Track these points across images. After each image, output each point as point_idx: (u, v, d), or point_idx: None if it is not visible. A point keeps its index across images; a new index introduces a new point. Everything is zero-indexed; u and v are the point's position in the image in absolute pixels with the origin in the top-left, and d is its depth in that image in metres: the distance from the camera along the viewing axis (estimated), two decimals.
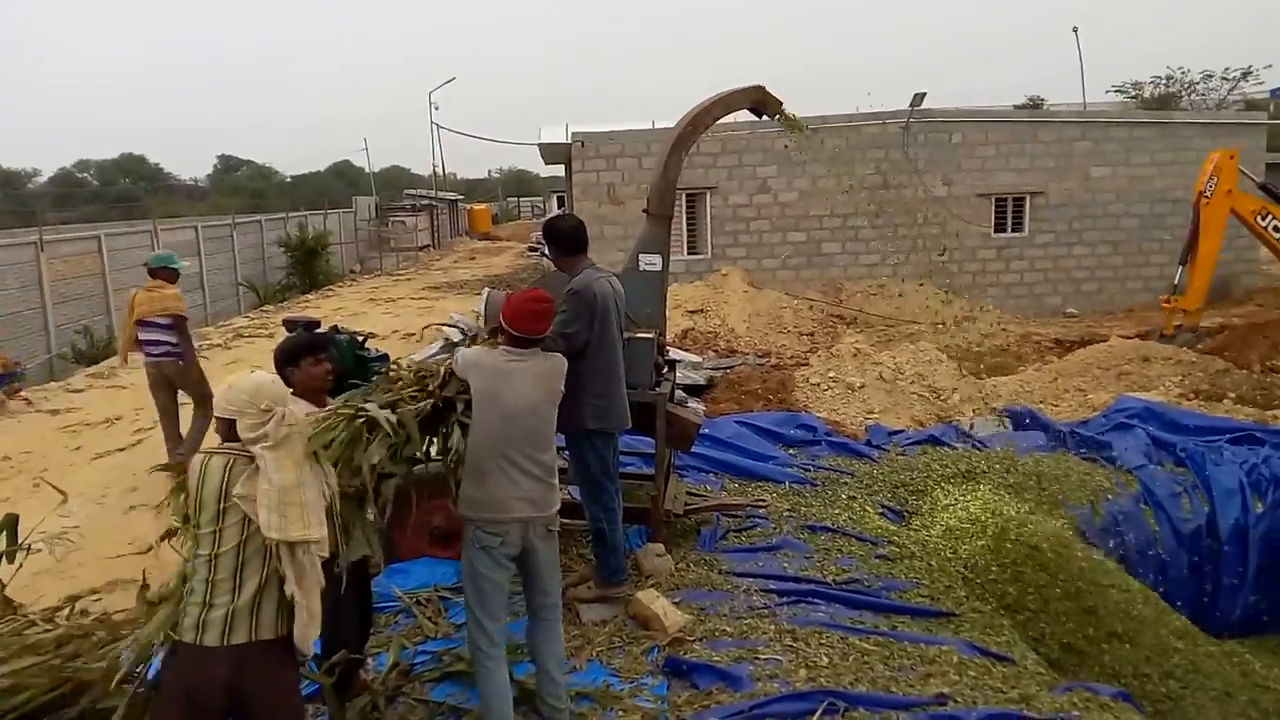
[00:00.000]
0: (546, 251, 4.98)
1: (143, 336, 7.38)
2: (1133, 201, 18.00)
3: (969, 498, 6.91)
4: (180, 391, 7.56)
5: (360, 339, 5.78)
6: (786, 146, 5.74)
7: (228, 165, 78.18)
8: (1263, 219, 13.13)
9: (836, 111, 17.79)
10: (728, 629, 4.64)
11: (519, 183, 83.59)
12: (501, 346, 3.91)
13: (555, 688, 3.94)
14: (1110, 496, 7.32)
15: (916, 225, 17.38)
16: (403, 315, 17.31)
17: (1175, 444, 7.81)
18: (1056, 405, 9.42)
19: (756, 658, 4.35)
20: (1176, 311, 12.73)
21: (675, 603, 4.87)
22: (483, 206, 54.11)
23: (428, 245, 38.06)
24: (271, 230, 24.58)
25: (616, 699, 4.13)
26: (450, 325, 10.07)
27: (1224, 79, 40.15)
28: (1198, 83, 40.78)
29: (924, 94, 17.27)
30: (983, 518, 6.57)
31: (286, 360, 3.74)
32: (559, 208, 39.76)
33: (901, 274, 17.48)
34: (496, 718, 3.67)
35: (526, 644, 4.09)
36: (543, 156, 24.06)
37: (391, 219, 35.82)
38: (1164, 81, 41.18)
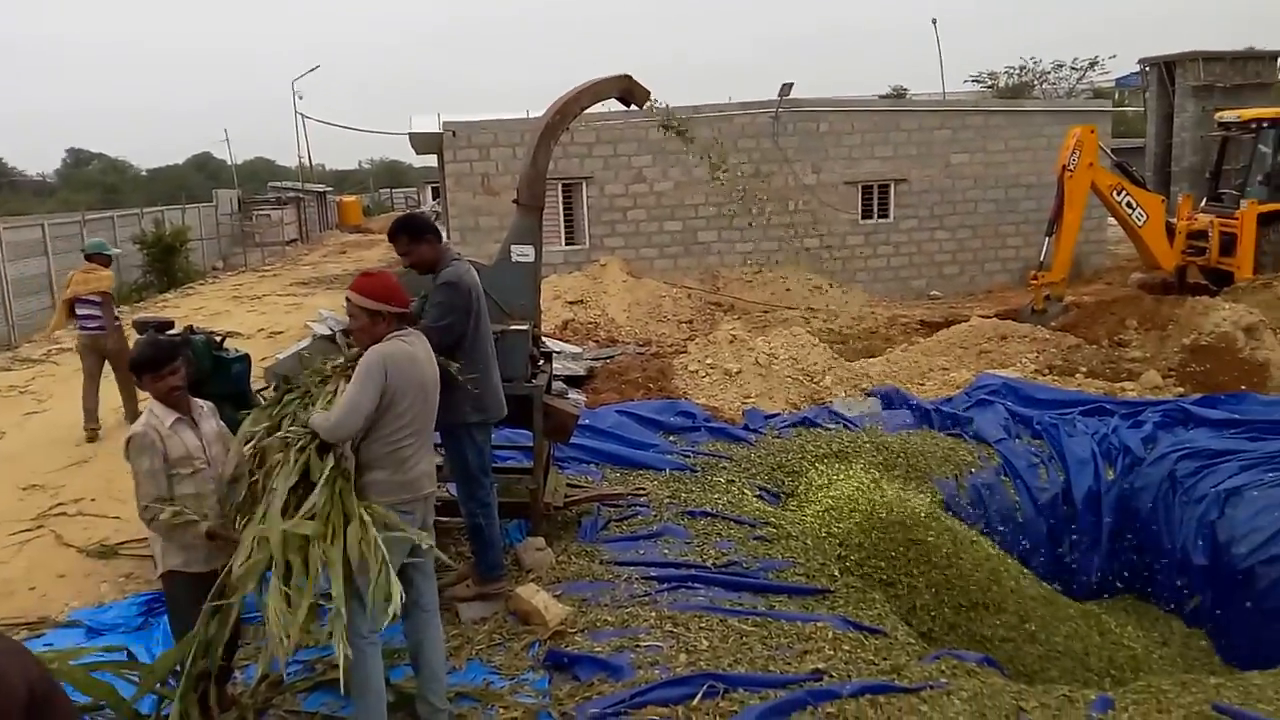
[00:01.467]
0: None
1: (80, 312, 8.56)
2: (989, 187, 18.85)
3: (842, 477, 7.10)
4: (107, 361, 8.62)
5: (218, 339, 5.53)
6: (672, 131, 5.73)
7: (78, 159, 73.45)
8: (1118, 194, 13.94)
9: (707, 101, 18.01)
10: (609, 619, 4.64)
11: (391, 174, 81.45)
12: (390, 337, 3.78)
13: (438, 685, 3.88)
14: (973, 470, 7.65)
15: (788, 213, 17.78)
16: (269, 313, 16.67)
17: (1032, 418, 8.22)
18: (922, 384, 9.78)
19: (638, 646, 4.36)
20: (1045, 285, 13.38)
21: (556, 596, 4.84)
22: (353, 198, 52.72)
23: (295, 239, 36.75)
24: (125, 227, 23.20)
25: (497, 696, 4.08)
26: (318, 322, 9.72)
27: (1073, 69, 42.57)
28: (1049, 72, 43.11)
29: (791, 84, 17.65)
30: (854, 496, 6.76)
31: (142, 370, 3.67)
32: (434, 199, 39.02)
33: (775, 260, 17.84)
34: (376, 698, 3.60)
35: (407, 642, 4.00)
36: (414, 146, 23.55)
37: (256, 213, 34.39)
38: (1018, 71, 43.38)
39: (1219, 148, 15.70)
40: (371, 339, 3.76)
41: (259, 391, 5.33)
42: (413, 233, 4.59)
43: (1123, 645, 6.53)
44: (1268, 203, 13.55)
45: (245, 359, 5.50)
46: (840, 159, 18.21)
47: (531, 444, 5.52)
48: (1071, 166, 13.22)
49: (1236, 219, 13.61)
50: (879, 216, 18.69)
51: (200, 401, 3.88)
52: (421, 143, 22.02)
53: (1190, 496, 7.14)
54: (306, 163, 49.49)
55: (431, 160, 28.88)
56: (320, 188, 49.37)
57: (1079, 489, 7.59)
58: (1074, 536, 7.61)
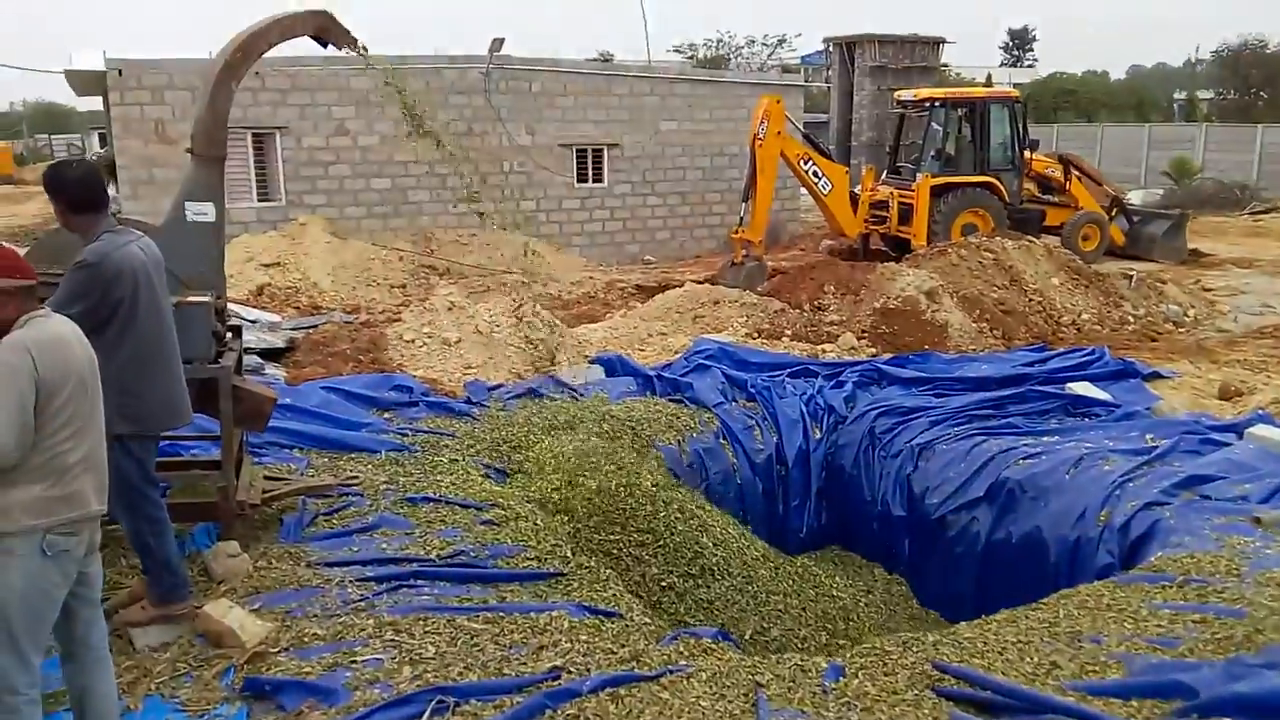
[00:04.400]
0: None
1: None
2: (696, 155, 19.44)
3: (569, 449, 6.87)
4: None
5: None
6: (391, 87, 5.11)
7: None
8: (805, 163, 14.82)
9: (417, 53, 17.06)
10: (319, 632, 4.08)
11: (50, 118, 71.18)
12: (27, 319, 2.99)
13: None
14: (694, 434, 7.72)
15: (503, 174, 17.33)
16: None
17: (746, 381, 8.44)
18: (643, 350, 9.80)
19: (354, 661, 3.85)
20: (744, 241, 14.00)
21: (254, 610, 4.20)
22: (2, 145, 45.71)
23: None
24: None
25: None
26: None
27: (764, 44, 45.22)
28: (743, 47, 45.50)
29: (502, 39, 17.14)
30: (582, 468, 6.55)
31: None
32: (101, 147, 34.50)
33: (491, 223, 17.36)
34: None
35: (69, 688, 3.27)
36: (73, 87, 20.47)
37: None
38: (715, 44, 45.42)
39: (897, 124, 17.13)
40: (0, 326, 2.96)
41: None
42: (52, 193, 3.73)
43: (833, 597, 6.86)
44: (939, 176, 14.95)
45: None
46: (554, 121, 17.98)
47: (220, 432, 4.76)
48: (761, 136, 13.89)
49: (913, 191, 14.90)
50: (594, 181, 18.71)
51: None
52: (82, 83, 19.14)
53: (888, 452, 7.62)
54: None
55: (97, 103, 25.37)
56: None
57: (790, 449, 7.89)
58: (786, 494, 7.93)
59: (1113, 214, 16.66)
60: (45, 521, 2.95)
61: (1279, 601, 4.17)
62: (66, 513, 3.00)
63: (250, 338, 8.86)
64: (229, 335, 4.98)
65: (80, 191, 3.76)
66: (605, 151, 18.64)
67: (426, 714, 3.50)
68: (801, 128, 15.43)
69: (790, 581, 6.70)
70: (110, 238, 3.73)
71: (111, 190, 14.89)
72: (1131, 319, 11.75)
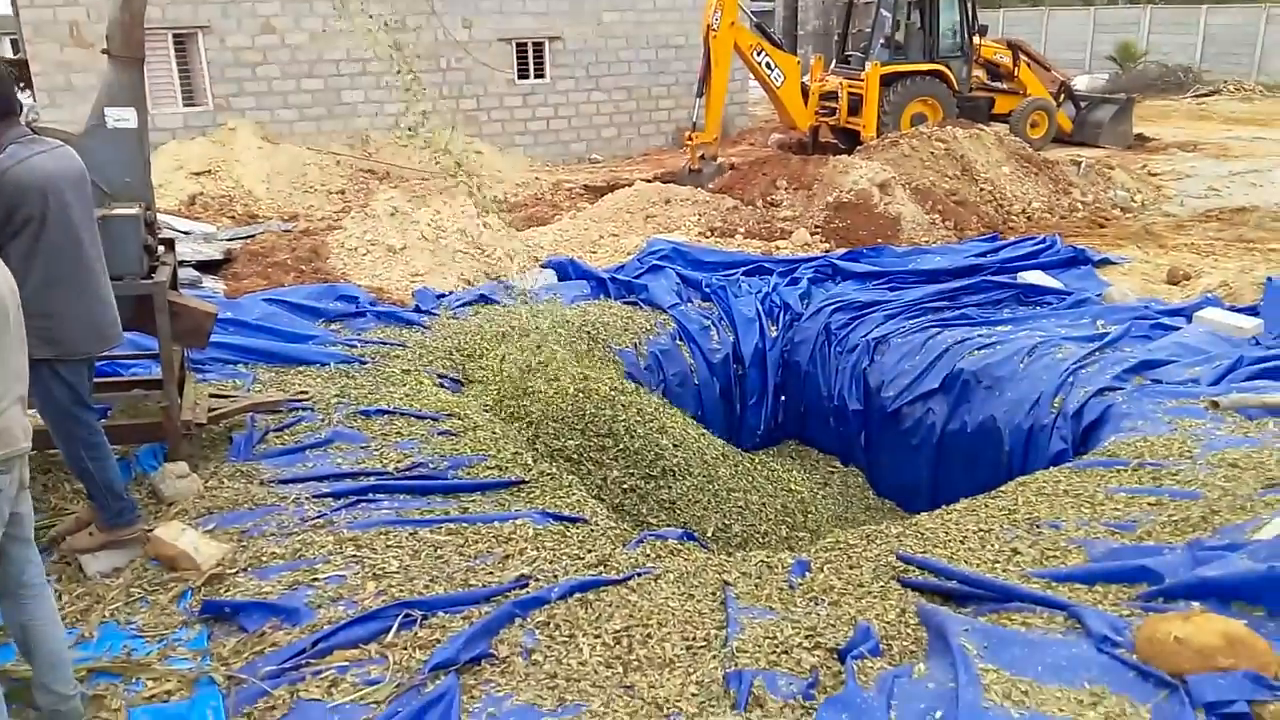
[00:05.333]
0: None
1: None
2: (641, 47, 18.81)
3: (524, 355, 6.75)
4: None
5: None
6: None
7: None
8: (758, 55, 14.39)
9: None
10: (277, 551, 3.98)
11: None
12: None
13: (61, 669, 3.08)
14: (651, 336, 7.64)
15: (441, 71, 16.64)
16: None
17: (701, 281, 8.34)
18: (594, 252, 9.61)
19: (315, 580, 3.77)
20: (700, 145, 13.62)
21: (208, 532, 4.08)
22: None
23: None
24: None
25: (143, 666, 3.35)
26: None
27: None
28: None
29: None
30: (539, 374, 6.45)
31: None
32: (13, 53, 32.46)
33: (429, 124, 16.73)
34: None
35: (9, 626, 3.14)
36: None
37: None
38: None
39: (844, 11, 16.68)
40: None
41: None
42: None
43: (791, 491, 6.92)
44: (889, 64, 14.66)
45: None
46: (492, 13, 17.21)
47: (159, 351, 4.55)
48: (715, 26, 13.39)
49: (863, 81, 14.62)
50: (535, 77, 18.07)
51: None
52: None
53: (844, 347, 7.63)
54: None
55: (4, 5, 23.72)
56: None
57: (747, 347, 7.87)
58: (743, 393, 7.94)
59: (1060, 100, 16.58)
60: None
61: (1232, 482, 4.26)
62: None
63: (185, 250, 8.51)
64: (161, 249, 4.71)
65: None
66: (546, 45, 17.96)
67: (393, 629, 3.45)
68: (753, 16, 14.92)
69: (749, 478, 6.72)
70: (14, 149, 3.43)
71: (27, 99, 14.03)
72: (1080, 205, 11.80)
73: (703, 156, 13.66)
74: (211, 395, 5.21)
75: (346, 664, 3.30)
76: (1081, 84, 20.52)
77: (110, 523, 3.89)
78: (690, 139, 13.79)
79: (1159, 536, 3.86)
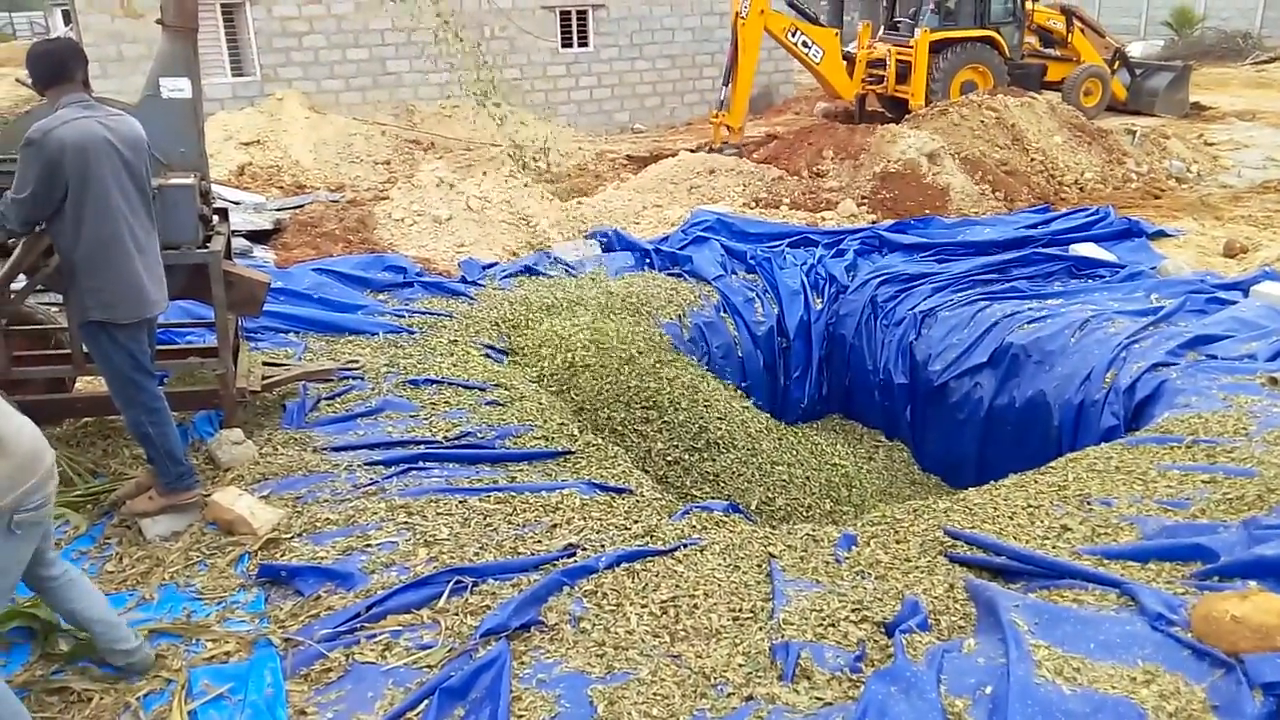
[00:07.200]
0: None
1: None
2: (685, 14, 18.61)
3: (570, 326, 6.78)
4: None
5: None
6: None
7: None
8: (793, 35, 14.16)
9: None
10: (331, 517, 4.06)
11: None
12: None
13: (119, 629, 3.17)
14: (695, 308, 7.63)
15: (484, 40, 16.60)
16: None
17: (745, 253, 8.29)
18: (638, 223, 9.59)
19: (368, 545, 3.85)
20: (723, 127, 13.45)
21: (264, 497, 4.18)
22: None
23: None
24: None
25: (203, 628, 3.45)
26: None
27: None
28: None
29: None
30: (585, 345, 6.48)
31: None
32: (65, 25, 32.94)
33: (473, 93, 16.73)
34: (11, 714, 2.80)
35: (55, 611, 3.21)
36: None
37: None
38: None
39: None
40: None
41: None
42: (28, 67, 3.57)
43: (835, 465, 6.91)
44: (939, 31, 14.36)
45: None
46: None
47: (214, 319, 4.63)
48: (744, 14, 13.12)
49: (911, 47, 14.34)
50: (579, 45, 17.97)
51: None
52: None
53: (890, 320, 7.56)
54: None
55: None
56: None
57: (791, 320, 7.83)
58: (788, 366, 7.90)
59: (1114, 67, 16.15)
60: (10, 500, 2.63)
61: None
62: (22, 480, 2.66)
63: (236, 220, 8.61)
64: (216, 218, 4.79)
65: (35, 67, 3.65)
66: (590, 13, 17.83)
67: (445, 594, 3.51)
68: None
69: (793, 451, 6.73)
70: (64, 112, 3.51)
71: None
72: (1135, 176, 11.52)
73: (725, 141, 13.39)
74: (265, 363, 5.30)
75: (400, 628, 3.37)
76: (1136, 50, 19.97)
77: (169, 487, 4.00)
78: (716, 117, 13.61)
79: (1214, 514, 3.80)
